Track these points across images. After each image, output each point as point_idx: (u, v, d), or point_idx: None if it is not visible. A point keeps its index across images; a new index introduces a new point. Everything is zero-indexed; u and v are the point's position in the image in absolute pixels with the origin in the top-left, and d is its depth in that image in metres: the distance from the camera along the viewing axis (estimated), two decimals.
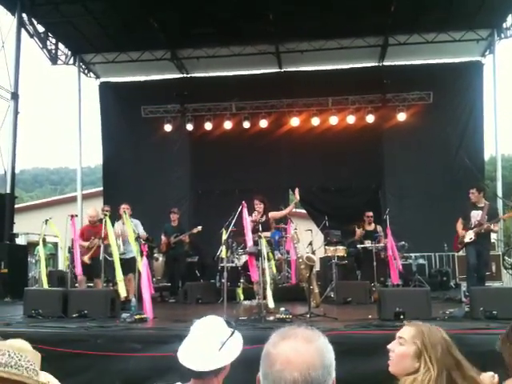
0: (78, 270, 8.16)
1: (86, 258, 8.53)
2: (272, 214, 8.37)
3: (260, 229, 7.31)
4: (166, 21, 11.79)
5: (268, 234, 7.94)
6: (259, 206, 8.16)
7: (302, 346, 1.30)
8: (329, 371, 1.30)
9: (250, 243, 7.65)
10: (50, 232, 8.48)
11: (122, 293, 7.06)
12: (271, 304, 6.79)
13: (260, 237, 7.08)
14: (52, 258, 12.08)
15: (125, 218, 8.00)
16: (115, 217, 8.93)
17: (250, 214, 7.85)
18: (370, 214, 10.36)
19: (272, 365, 1.29)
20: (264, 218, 8.09)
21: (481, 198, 8.08)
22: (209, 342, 2.25)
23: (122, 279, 7.19)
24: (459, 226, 8.21)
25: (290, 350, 1.29)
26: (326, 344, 1.34)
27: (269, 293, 6.90)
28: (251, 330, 5.46)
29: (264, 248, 6.93)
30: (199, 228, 10.52)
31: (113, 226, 8.26)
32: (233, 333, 2.32)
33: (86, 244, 8.66)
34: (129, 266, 7.91)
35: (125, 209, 8.40)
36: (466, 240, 7.97)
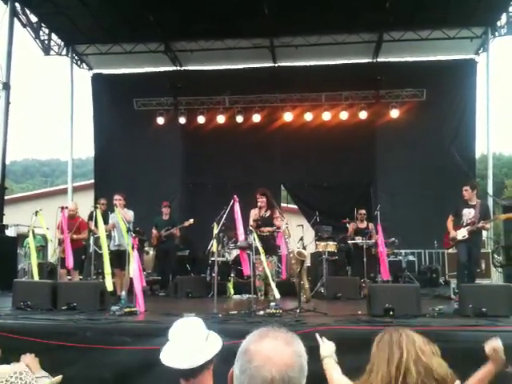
0: (70, 262, 8.10)
1: (61, 252, 8.53)
2: (278, 216, 7.97)
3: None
4: (161, 13, 11.70)
5: (271, 228, 7.82)
6: (261, 200, 7.93)
7: (282, 347, 1.33)
8: (303, 374, 1.34)
9: (241, 237, 7.64)
10: (40, 224, 8.44)
11: (109, 287, 7.04)
12: (277, 295, 6.89)
13: (252, 231, 7.09)
14: (41, 250, 12.00)
15: (116, 211, 7.97)
16: (107, 209, 8.89)
17: (242, 208, 7.79)
18: (363, 211, 10.37)
19: (251, 360, 1.31)
20: (268, 213, 7.93)
21: (473, 196, 8.11)
22: (192, 338, 2.25)
23: (109, 273, 7.18)
24: (450, 222, 8.25)
25: (271, 349, 1.32)
26: (302, 349, 1.38)
27: (273, 284, 6.98)
28: (241, 324, 5.47)
29: (257, 242, 6.93)
30: (191, 221, 10.50)
31: (106, 217, 8.25)
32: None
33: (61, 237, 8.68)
34: (124, 258, 7.85)
35: (117, 200, 8.35)
36: (459, 238, 8.00)
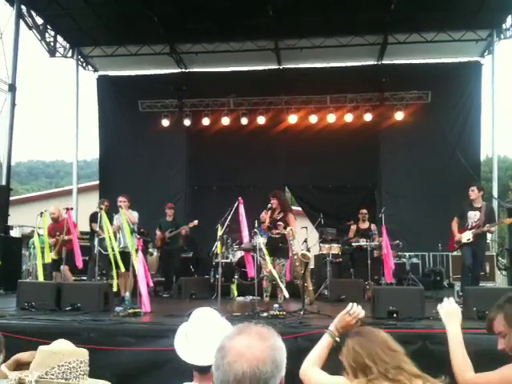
0: (79, 262, 8.09)
1: (53, 254, 8.54)
2: (291, 219, 7.89)
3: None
4: (166, 14, 11.73)
5: (278, 230, 7.71)
6: (272, 202, 7.87)
7: (255, 342, 1.35)
8: (278, 368, 1.35)
9: (245, 239, 7.62)
10: (43, 225, 8.46)
11: (114, 287, 7.08)
12: (287, 294, 6.97)
13: (256, 233, 7.09)
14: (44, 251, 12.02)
15: (121, 212, 7.98)
16: (112, 210, 8.92)
17: (247, 210, 7.78)
18: (364, 211, 10.35)
19: (224, 356, 1.34)
20: (281, 215, 7.84)
21: (479, 198, 8.07)
22: (211, 333, 2.24)
23: (115, 274, 7.22)
24: (454, 225, 8.21)
25: (243, 345, 1.34)
26: (278, 343, 1.40)
27: (282, 285, 7.06)
28: None
29: (262, 244, 6.93)
30: (195, 222, 10.51)
31: (111, 219, 8.26)
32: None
33: (51, 240, 8.69)
34: (129, 259, 7.84)
35: (121, 202, 8.36)
36: (464, 241, 7.96)
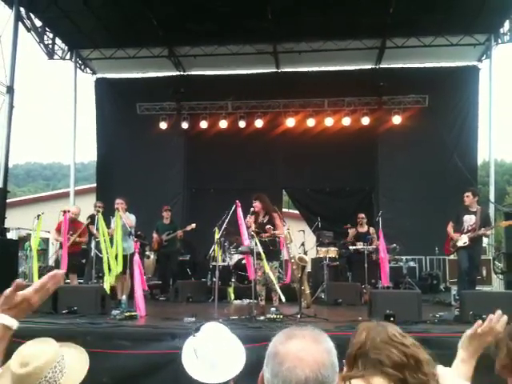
0: (64, 265, 8.05)
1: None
2: (277, 219, 7.72)
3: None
4: (165, 16, 11.73)
5: (268, 234, 7.49)
6: (254, 205, 7.64)
7: (312, 346, 1.30)
8: (336, 372, 1.31)
9: (246, 242, 7.59)
10: (40, 228, 8.45)
11: (107, 287, 7.10)
12: (283, 298, 7.01)
13: (253, 236, 7.07)
14: (42, 253, 12.01)
15: (117, 215, 7.97)
16: (109, 213, 8.92)
17: (245, 213, 7.75)
18: (362, 215, 10.38)
19: (282, 363, 1.28)
20: (266, 218, 7.66)
21: (474, 203, 8.12)
22: (220, 351, 2.21)
23: (109, 275, 7.23)
24: (450, 229, 8.25)
25: (300, 349, 1.29)
26: (332, 345, 1.35)
27: (277, 288, 7.09)
28: (242, 330, 5.45)
29: (259, 247, 6.92)
30: (193, 225, 10.52)
31: (107, 221, 8.26)
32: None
33: (61, 239, 8.71)
34: (126, 262, 7.84)
35: (118, 204, 8.34)
36: (460, 244, 7.99)
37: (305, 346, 1.30)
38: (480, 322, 2.31)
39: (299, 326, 1.39)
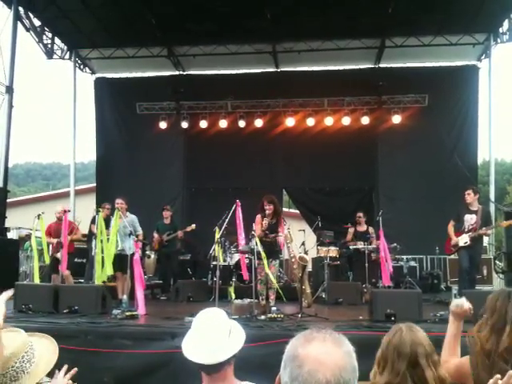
0: (63, 265, 8.08)
1: (59, 255, 8.53)
2: (282, 223, 7.79)
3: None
4: (165, 15, 11.73)
5: (275, 234, 7.57)
6: (269, 208, 7.59)
7: (332, 349, 1.28)
8: (356, 375, 1.29)
9: (243, 242, 7.61)
10: (40, 227, 8.44)
11: (109, 271, 7.22)
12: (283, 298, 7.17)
13: (254, 236, 7.08)
14: (42, 253, 11.98)
15: (116, 214, 7.96)
16: (112, 213, 8.92)
17: (244, 213, 7.76)
18: (361, 214, 10.38)
19: (302, 366, 1.25)
20: (274, 220, 7.66)
21: (475, 201, 8.10)
22: (217, 331, 2.21)
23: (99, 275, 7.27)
24: (451, 228, 8.23)
25: (321, 352, 1.26)
26: (352, 348, 1.32)
27: (277, 287, 7.13)
28: (243, 329, 5.45)
29: (260, 247, 6.92)
30: (193, 226, 10.51)
31: (109, 221, 8.26)
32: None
33: (54, 241, 8.74)
34: (126, 262, 7.81)
35: (118, 204, 8.32)
36: (461, 244, 7.98)
37: (325, 349, 1.27)
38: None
39: (318, 328, 1.35)
